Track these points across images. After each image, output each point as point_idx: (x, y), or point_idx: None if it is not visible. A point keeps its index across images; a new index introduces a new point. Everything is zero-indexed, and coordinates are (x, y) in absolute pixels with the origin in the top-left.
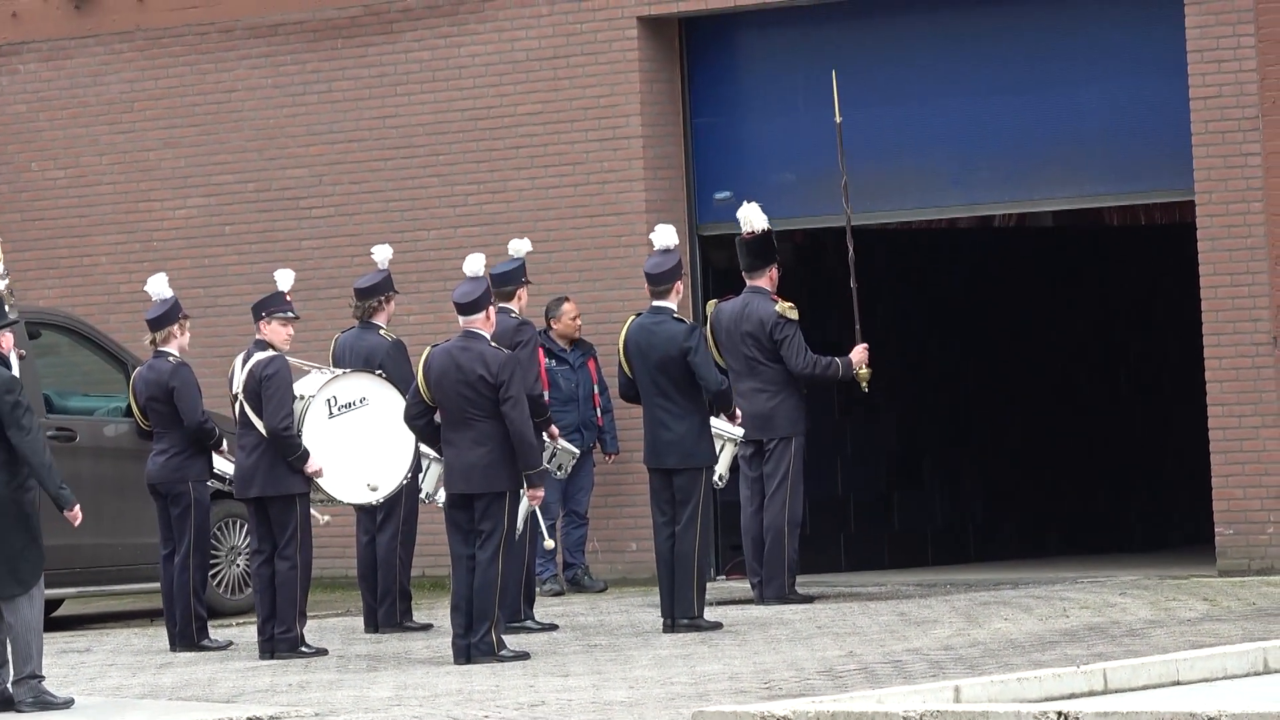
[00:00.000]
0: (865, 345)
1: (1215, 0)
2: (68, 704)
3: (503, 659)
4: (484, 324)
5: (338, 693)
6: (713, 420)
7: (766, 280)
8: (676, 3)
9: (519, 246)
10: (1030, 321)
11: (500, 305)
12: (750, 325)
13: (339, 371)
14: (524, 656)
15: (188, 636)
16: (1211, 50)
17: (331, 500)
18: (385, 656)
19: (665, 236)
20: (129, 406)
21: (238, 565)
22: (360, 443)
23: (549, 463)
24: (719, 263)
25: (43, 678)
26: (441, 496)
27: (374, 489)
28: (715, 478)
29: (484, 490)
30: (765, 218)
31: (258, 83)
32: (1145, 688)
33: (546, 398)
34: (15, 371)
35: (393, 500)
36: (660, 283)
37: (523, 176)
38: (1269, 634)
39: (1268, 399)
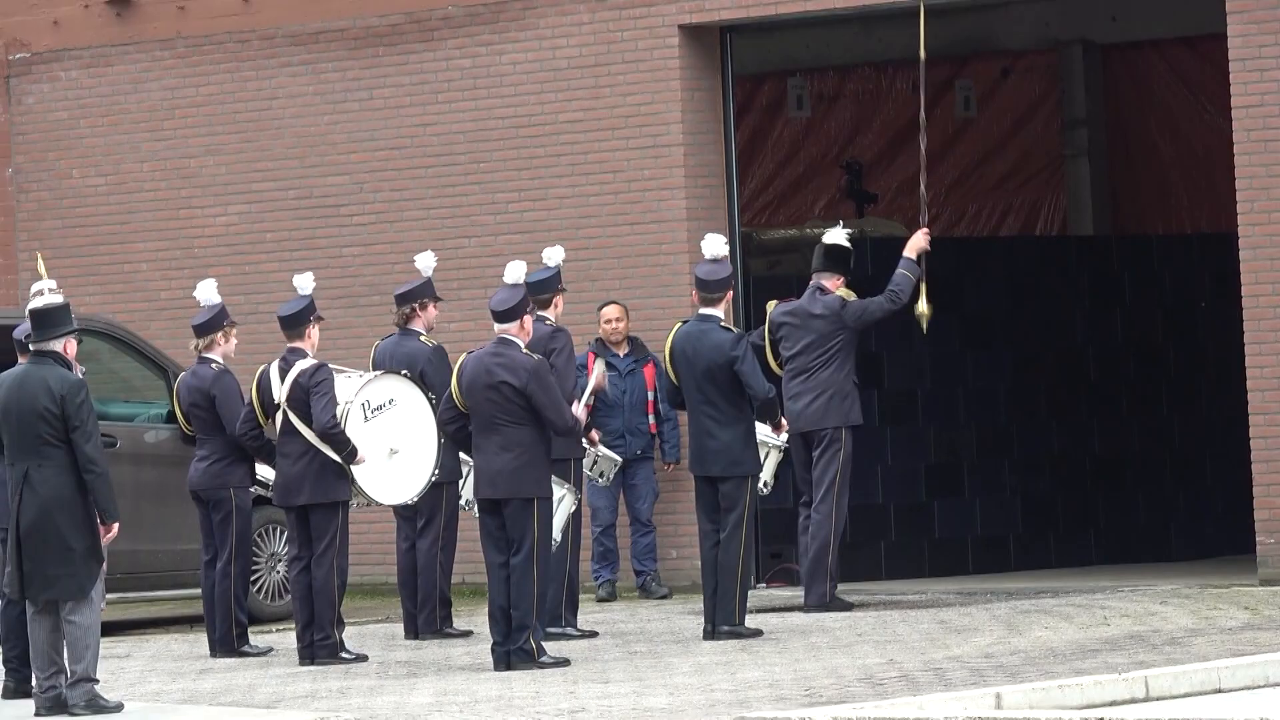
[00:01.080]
0: (926, 231)
1: (1258, 10)
2: (118, 708)
3: (543, 665)
4: (518, 331)
5: (378, 699)
6: (758, 427)
7: (832, 284)
8: (718, 11)
9: (554, 254)
10: (1071, 330)
11: (537, 313)
12: (820, 325)
13: (368, 375)
14: (564, 663)
15: (228, 642)
16: (1254, 59)
17: (371, 503)
18: (425, 663)
19: (715, 246)
20: (169, 413)
21: (278, 571)
22: (392, 444)
23: (590, 469)
24: (759, 269)
25: (97, 681)
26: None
27: (395, 451)
28: (760, 485)
29: (510, 495)
30: (848, 240)
31: (299, 90)
32: (1187, 695)
33: (588, 403)
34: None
35: (433, 506)
36: (712, 290)
37: (564, 184)
38: None
39: None
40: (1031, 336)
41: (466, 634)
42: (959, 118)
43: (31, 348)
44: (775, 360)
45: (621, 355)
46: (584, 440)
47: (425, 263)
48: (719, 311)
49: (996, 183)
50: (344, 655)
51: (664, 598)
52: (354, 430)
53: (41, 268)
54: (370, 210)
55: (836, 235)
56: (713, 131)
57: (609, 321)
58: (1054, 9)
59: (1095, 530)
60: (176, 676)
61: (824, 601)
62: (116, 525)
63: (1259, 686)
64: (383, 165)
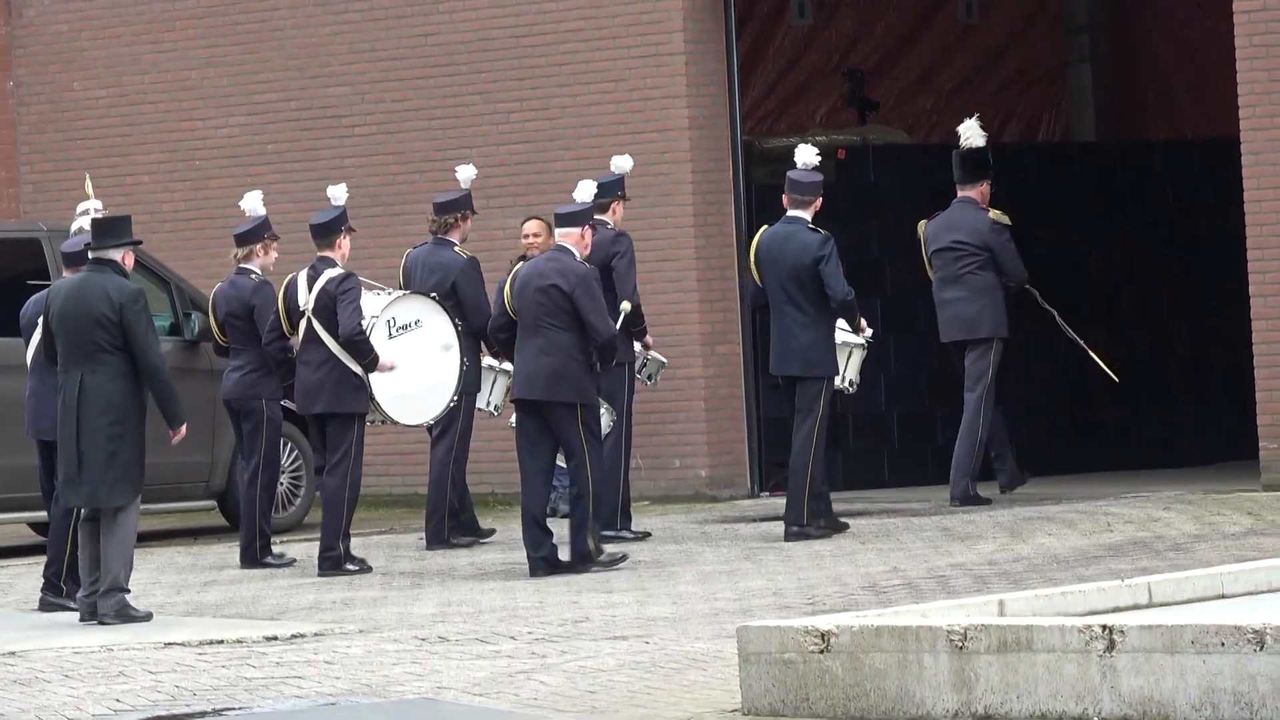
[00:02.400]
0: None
1: None
2: (148, 617)
3: (602, 565)
4: (577, 241)
5: (381, 610)
6: (839, 328)
7: (977, 193)
8: None
9: (621, 163)
10: (1073, 237)
11: (596, 217)
12: (963, 234)
13: (397, 293)
14: (621, 559)
15: (251, 554)
16: None
17: (387, 420)
18: (430, 573)
19: (806, 155)
20: (172, 324)
21: (283, 484)
22: (415, 364)
23: (640, 372)
24: (761, 178)
25: (128, 591)
26: (490, 406)
27: (448, 347)
28: (845, 384)
29: (548, 398)
30: (983, 134)
31: (300, 0)
32: (1190, 601)
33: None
34: None
35: (450, 416)
36: (804, 192)
37: (565, 94)
38: None
39: None
40: (1036, 244)
41: (471, 544)
42: (960, 23)
43: (91, 255)
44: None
45: None
46: (637, 344)
47: (465, 174)
48: (807, 215)
49: (998, 90)
50: (349, 567)
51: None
52: (377, 345)
53: (89, 187)
54: (372, 121)
55: (969, 135)
56: (714, 40)
57: (528, 237)
58: None
59: (1100, 437)
60: (181, 589)
61: (967, 495)
62: (184, 427)
63: (1262, 592)
64: (384, 75)
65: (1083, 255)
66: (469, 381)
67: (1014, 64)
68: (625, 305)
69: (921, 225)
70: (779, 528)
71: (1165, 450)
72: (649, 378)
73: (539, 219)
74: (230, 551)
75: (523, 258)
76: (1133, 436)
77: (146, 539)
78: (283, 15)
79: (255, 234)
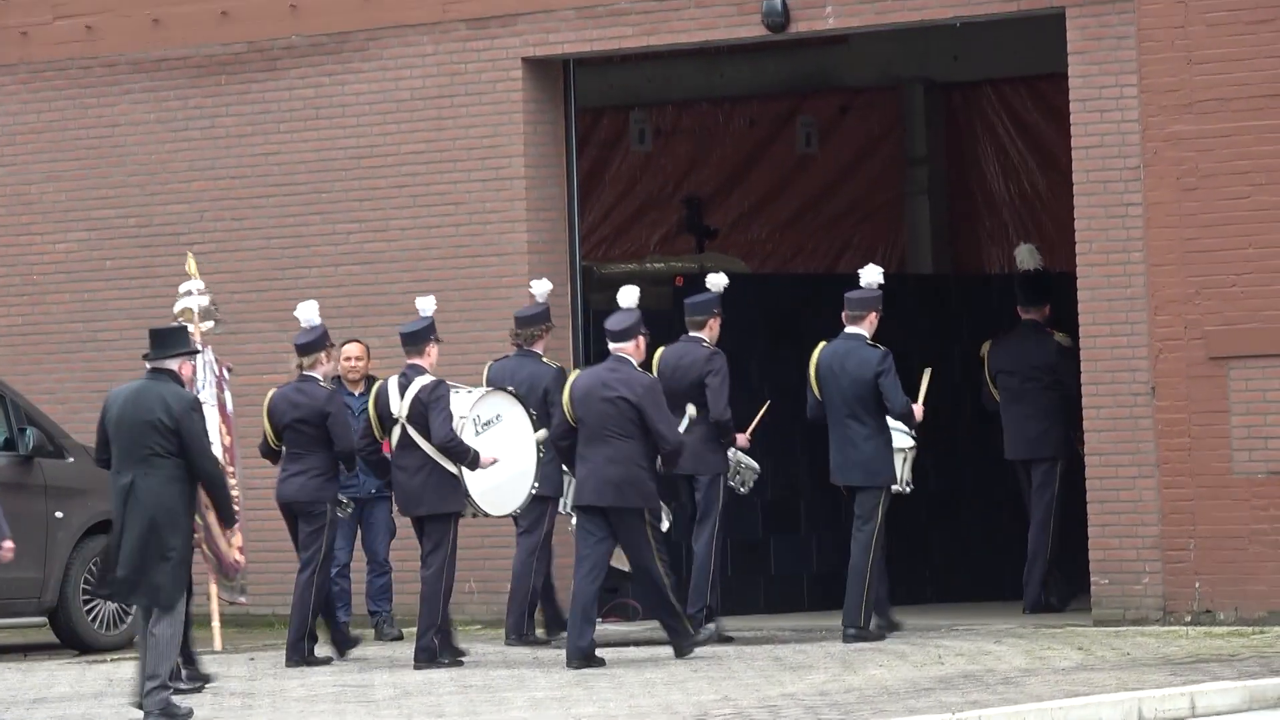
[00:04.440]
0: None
1: (1098, 50)
2: (189, 714)
3: (698, 643)
4: (633, 351)
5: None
6: (893, 430)
7: (1039, 315)
8: (561, 44)
9: (717, 281)
10: (910, 367)
11: (692, 334)
12: (1038, 359)
13: (479, 391)
14: (715, 636)
15: (300, 650)
16: (1094, 100)
17: (479, 513)
18: (261, 694)
19: (872, 275)
20: (6, 439)
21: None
22: (499, 457)
23: (732, 479)
24: (598, 303)
25: (171, 689)
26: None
27: (538, 444)
28: (902, 485)
29: (618, 504)
30: (1039, 258)
31: (141, 118)
32: None
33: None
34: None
35: (537, 516)
36: (859, 309)
37: (405, 215)
38: (1143, 684)
39: (1145, 450)
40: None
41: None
42: (800, 153)
43: (149, 364)
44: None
45: (357, 395)
46: (730, 451)
47: (541, 289)
48: (864, 330)
49: (834, 219)
50: (443, 660)
51: (396, 639)
52: (467, 443)
53: (191, 266)
54: (211, 239)
55: (1026, 259)
56: (555, 165)
57: (348, 359)
58: (896, 47)
59: (930, 568)
60: (10, 706)
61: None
62: (238, 528)
63: None
64: (224, 194)
65: (918, 385)
66: (554, 485)
67: (852, 195)
68: (691, 409)
69: (985, 346)
70: (610, 653)
71: (995, 582)
72: (742, 484)
73: (359, 341)
74: (62, 669)
75: (337, 379)
76: (963, 568)
77: None
78: (123, 131)
79: (319, 343)
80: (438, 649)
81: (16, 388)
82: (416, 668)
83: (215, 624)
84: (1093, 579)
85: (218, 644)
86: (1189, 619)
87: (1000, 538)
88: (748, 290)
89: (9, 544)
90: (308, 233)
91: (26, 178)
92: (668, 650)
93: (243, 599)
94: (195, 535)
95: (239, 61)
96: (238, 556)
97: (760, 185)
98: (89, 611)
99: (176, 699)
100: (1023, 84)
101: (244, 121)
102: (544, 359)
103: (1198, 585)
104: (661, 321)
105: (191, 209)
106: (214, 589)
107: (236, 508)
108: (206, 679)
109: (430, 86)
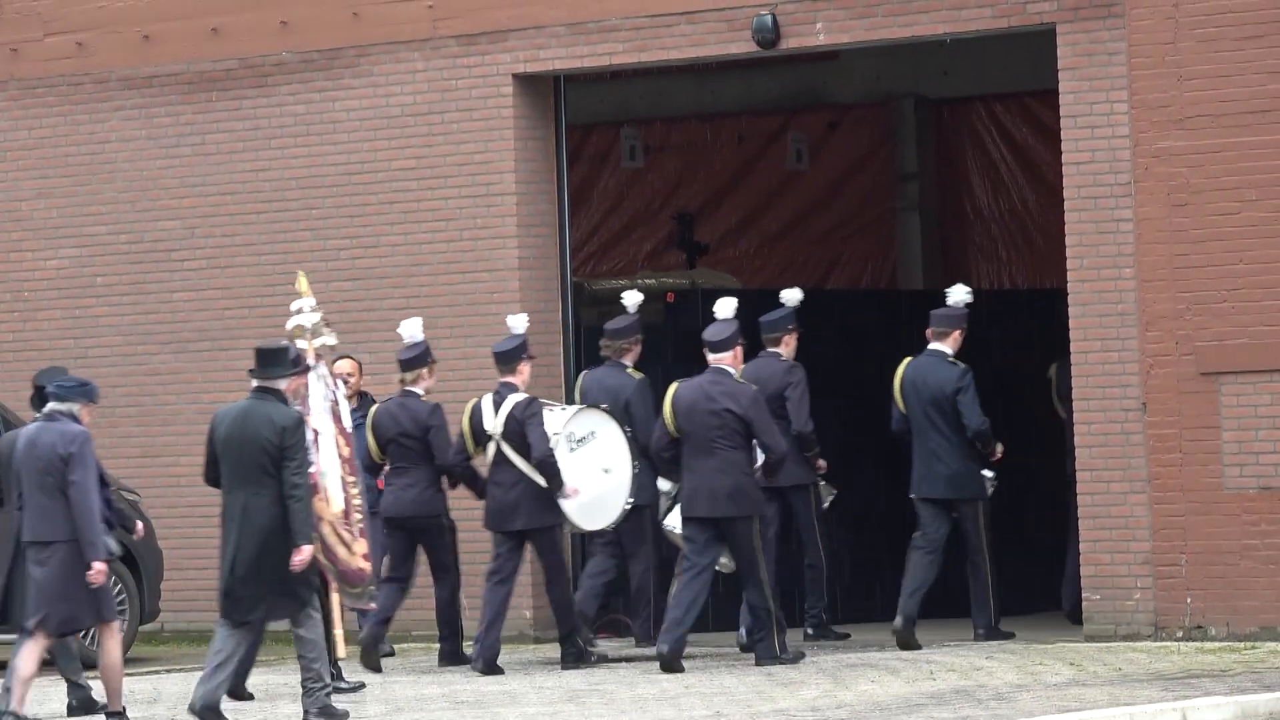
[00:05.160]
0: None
1: (1089, 66)
2: (345, 715)
3: (783, 661)
4: (731, 361)
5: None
6: None
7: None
8: (552, 60)
9: (791, 296)
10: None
11: (770, 350)
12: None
13: (573, 409)
14: (801, 656)
15: (458, 652)
16: (1085, 116)
17: (575, 528)
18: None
19: (958, 294)
20: None
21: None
22: (593, 473)
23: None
24: (590, 319)
25: (329, 685)
26: (672, 523)
27: (607, 470)
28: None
29: (731, 514)
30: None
31: (131, 134)
32: None
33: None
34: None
35: (639, 531)
36: (944, 325)
37: (396, 232)
38: (1135, 699)
39: (1136, 465)
40: (861, 389)
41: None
42: (790, 169)
43: (255, 383)
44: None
45: (351, 410)
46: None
47: (633, 299)
48: (947, 347)
49: (824, 234)
50: (590, 655)
51: (388, 655)
52: (561, 461)
53: (302, 285)
54: (201, 255)
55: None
56: (545, 181)
57: (339, 375)
58: (886, 63)
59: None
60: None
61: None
62: (309, 548)
63: None
64: (214, 210)
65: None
66: (650, 494)
67: (842, 210)
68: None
69: (1052, 368)
70: (603, 672)
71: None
72: (823, 502)
73: (351, 358)
74: (53, 685)
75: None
76: (954, 584)
77: None
78: (114, 148)
79: (421, 359)
80: (582, 650)
81: (7, 404)
82: (565, 669)
83: (338, 631)
84: (1084, 594)
85: (341, 651)
86: (1181, 634)
87: (995, 552)
88: (741, 306)
89: (99, 566)
90: (298, 249)
91: (17, 194)
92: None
93: (371, 604)
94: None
95: (230, 78)
96: (362, 564)
97: (750, 201)
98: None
99: (335, 699)
100: (1013, 100)
101: (235, 138)
102: (629, 370)
103: (1189, 600)
104: (652, 337)
105: (182, 225)
106: (336, 597)
107: (359, 516)
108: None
109: (421, 103)
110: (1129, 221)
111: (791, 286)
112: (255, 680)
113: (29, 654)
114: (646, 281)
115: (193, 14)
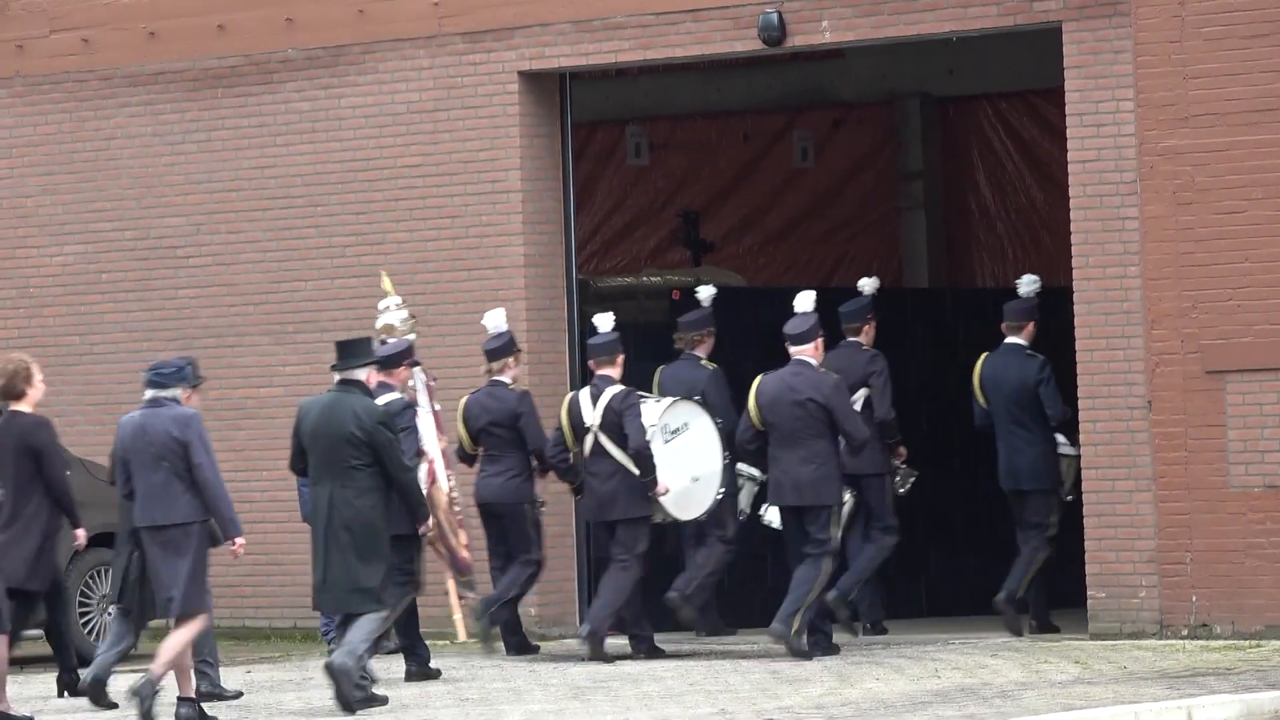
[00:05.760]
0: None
1: (1095, 65)
2: (384, 701)
3: (799, 653)
4: (813, 353)
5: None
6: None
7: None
8: (557, 58)
9: (869, 284)
10: (906, 381)
11: (850, 339)
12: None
13: (666, 401)
14: (834, 650)
15: (520, 643)
16: (1091, 114)
17: (669, 518)
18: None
19: (1027, 285)
20: None
21: (108, 614)
22: (686, 463)
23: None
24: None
25: (375, 680)
26: (771, 516)
27: (696, 479)
28: (1066, 496)
29: (815, 503)
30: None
31: (137, 131)
32: None
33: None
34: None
35: (724, 514)
36: (1017, 318)
37: (401, 229)
38: (1140, 697)
39: (1141, 463)
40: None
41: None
42: (795, 167)
43: (337, 376)
44: None
45: None
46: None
47: (706, 293)
48: (1022, 339)
49: (829, 232)
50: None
51: (392, 652)
52: (656, 452)
53: (386, 284)
54: (207, 252)
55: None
56: (551, 178)
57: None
58: (892, 61)
59: (926, 581)
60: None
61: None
62: (431, 519)
63: None
64: (220, 207)
65: (914, 399)
66: (732, 483)
67: (847, 209)
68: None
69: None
70: (605, 669)
71: (991, 596)
72: (901, 487)
73: None
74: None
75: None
76: (961, 581)
77: None
78: (119, 145)
79: (506, 349)
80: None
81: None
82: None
83: (457, 617)
84: (1090, 592)
85: (462, 635)
86: (1186, 633)
87: (994, 551)
88: (746, 303)
89: (240, 540)
90: (304, 246)
91: (23, 191)
92: (665, 663)
93: (472, 594)
94: (430, 534)
95: (235, 75)
96: (464, 554)
97: (755, 199)
98: (85, 624)
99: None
100: (1019, 98)
101: (240, 135)
102: (703, 362)
103: (1194, 599)
104: (657, 335)
105: (188, 222)
106: (451, 584)
107: (458, 509)
108: (225, 694)
109: (426, 100)
110: (1134, 219)
111: (793, 285)
112: (259, 677)
113: (180, 639)
114: (652, 279)
115: (198, 11)
